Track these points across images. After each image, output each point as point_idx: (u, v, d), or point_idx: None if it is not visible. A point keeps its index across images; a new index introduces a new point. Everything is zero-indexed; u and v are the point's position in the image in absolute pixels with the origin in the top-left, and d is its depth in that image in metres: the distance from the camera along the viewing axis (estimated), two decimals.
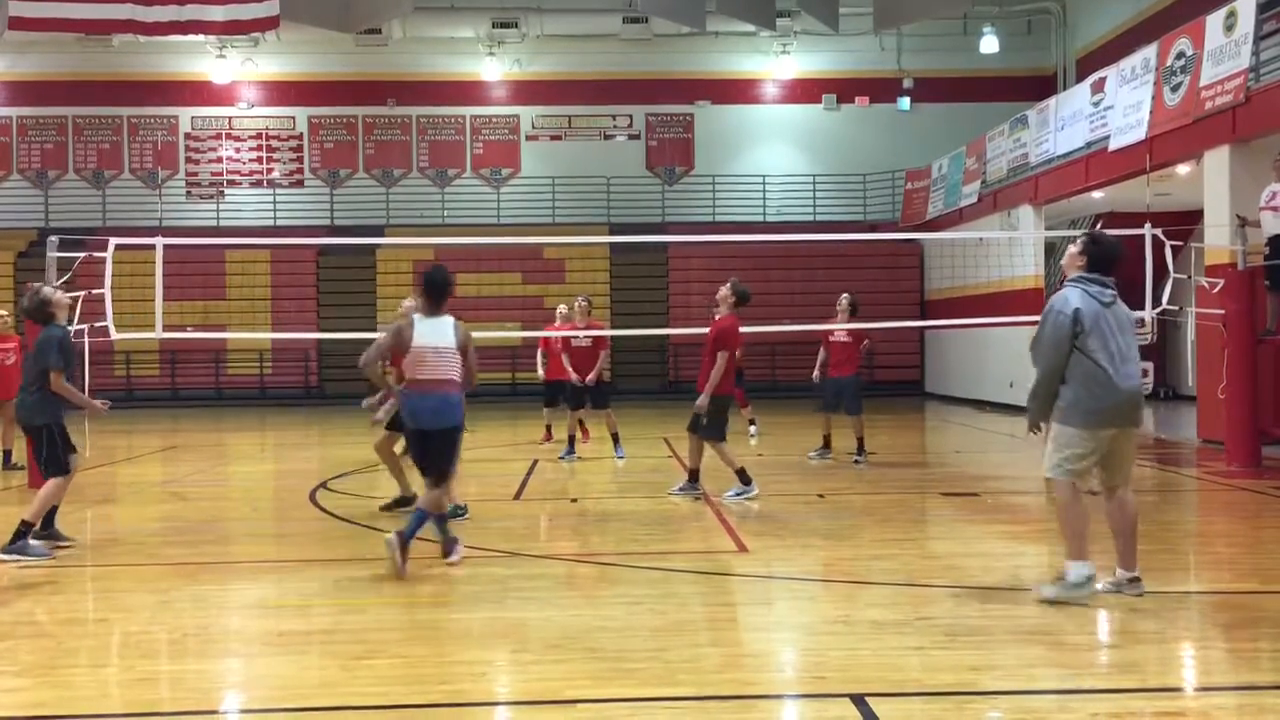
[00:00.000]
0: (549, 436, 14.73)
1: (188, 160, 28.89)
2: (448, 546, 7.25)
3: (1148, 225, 12.44)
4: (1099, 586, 6.14)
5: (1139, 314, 14.21)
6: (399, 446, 8.97)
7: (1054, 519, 8.74)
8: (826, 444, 13.23)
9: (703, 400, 9.72)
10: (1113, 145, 16.14)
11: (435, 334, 7.17)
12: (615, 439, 13.40)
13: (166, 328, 12.02)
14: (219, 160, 28.93)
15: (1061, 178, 18.42)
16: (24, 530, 7.63)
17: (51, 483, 7.81)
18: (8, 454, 12.62)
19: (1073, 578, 6.01)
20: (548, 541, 8.11)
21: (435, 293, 7.25)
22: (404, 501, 9.09)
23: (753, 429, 15.66)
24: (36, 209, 28.27)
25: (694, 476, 10.09)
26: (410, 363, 7.20)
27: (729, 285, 10.08)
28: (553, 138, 29.08)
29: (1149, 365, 22.59)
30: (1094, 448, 6.02)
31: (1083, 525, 6.06)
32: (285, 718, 4.55)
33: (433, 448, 7.21)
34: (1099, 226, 20.23)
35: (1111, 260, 6.22)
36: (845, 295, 13.30)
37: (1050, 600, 5.98)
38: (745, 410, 15.54)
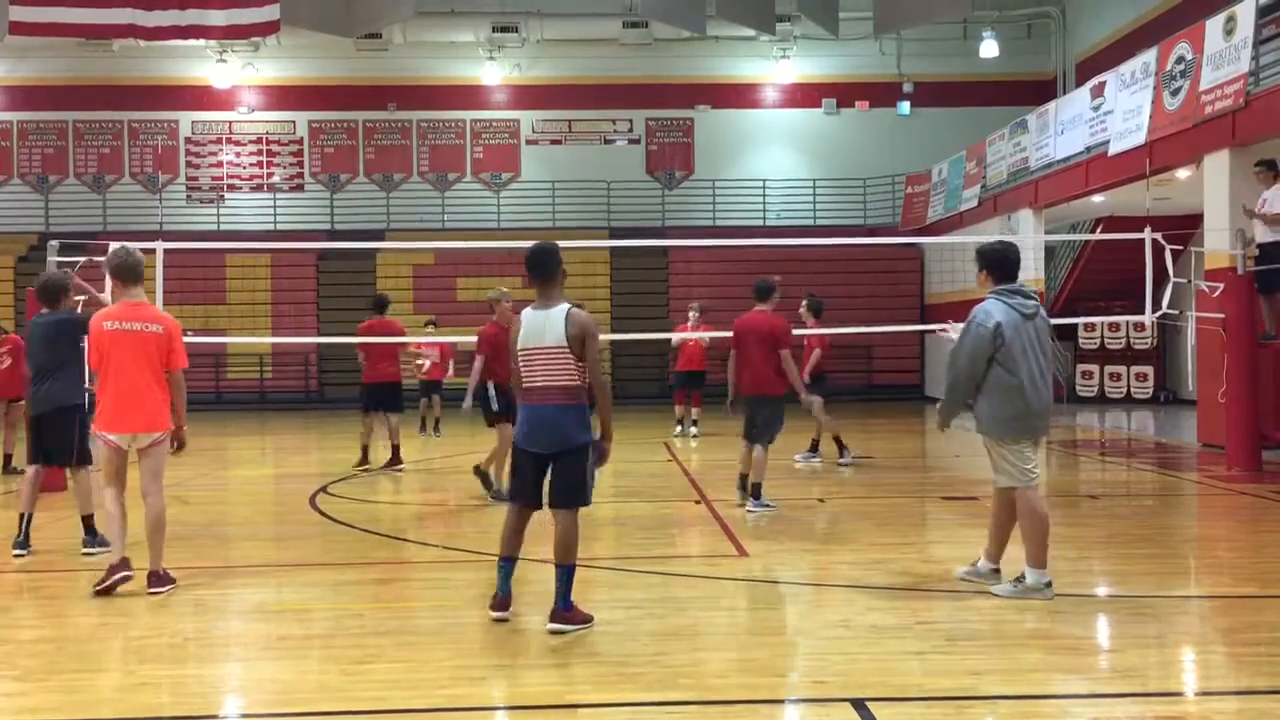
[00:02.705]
0: None
1: (188, 164, 28.91)
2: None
3: (1148, 229, 12.46)
4: (959, 571, 6.65)
5: (1139, 318, 14.27)
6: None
7: (1054, 522, 8.75)
8: (814, 447, 13.28)
9: (807, 398, 9.64)
10: (1112, 149, 16.15)
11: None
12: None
13: None
14: (219, 164, 28.95)
15: (1061, 182, 18.43)
16: (90, 524, 7.89)
17: (84, 473, 7.98)
18: (8, 458, 12.62)
19: (1031, 581, 6.22)
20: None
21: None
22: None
23: (693, 430, 16.36)
24: (37, 213, 28.29)
25: (747, 486, 9.66)
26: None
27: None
28: (553, 142, 29.10)
29: (1149, 369, 22.67)
30: (1034, 453, 6.30)
31: (1044, 533, 6.25)
32: None
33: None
34: (1098, 231, 20.26)
35: (1009, 263, 6.38)
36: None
37: (1005, 598, 6.20)
38: (696, 410, 16.41)
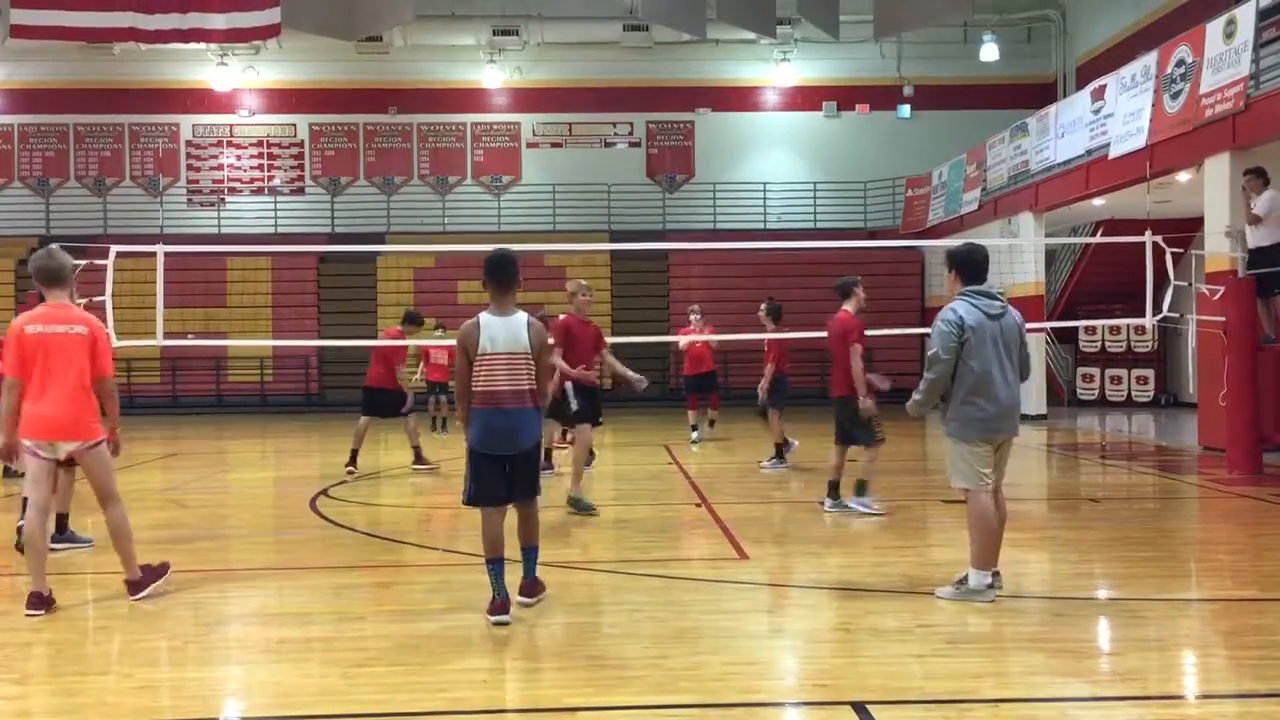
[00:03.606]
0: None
1: (189, 168, 28.95)
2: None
3: (1148, 232, 12.47)
4: (941, 592, 6.37)
5: (1139, 321, 14.27)
6: None
7: (1055, 525, 8.77)
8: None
9: (866, 403, 9.19)
10: (1113, 152, 16.16)
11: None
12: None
13: (167, 335, 12.04)
14: (220, 168, 28.98)
15: (1062, 185, 18.44)
16: (63, 523, 8.06)
17: (70, 473, 7.94)
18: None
19: (974, 583, 6.22)
20: (548, 549, 8.09)
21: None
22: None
23: (708, 430, 16.30)
24: (38, 216, 28.31)
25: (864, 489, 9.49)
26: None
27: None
28: (553, 145, 29.13)
29: (1150, 373, 22.67)
30: (990, 457, 6.28)
31: (992, 536, 6.24)
32: None
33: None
34: (1099, 233, 20.26)
35: (977, 265, 6.38)
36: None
37: (947, 599, 6.19)
38: (712, 412, 16.37)
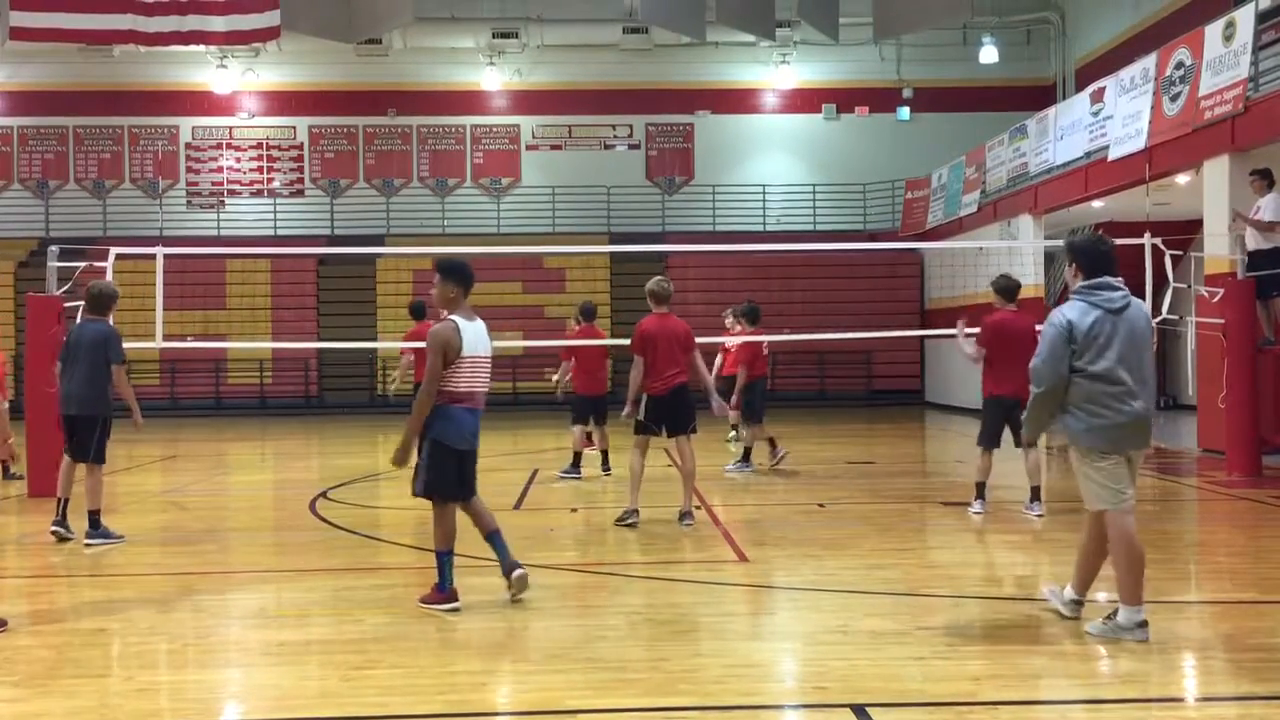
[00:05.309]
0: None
1: (188, 170, 28.94)
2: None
3: (1147, 235, 12.47)
4: (1045, 589, 6.06)
5: None
6: None
7: (1055, 527, 8.76)
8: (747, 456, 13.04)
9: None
10: (1112, 155, 16.16)
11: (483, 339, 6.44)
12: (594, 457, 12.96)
13: (166, 337, 12.05)
14: (219, 170, 28.98)
15: (1061, 187, 18.44)
16: (96, 518, 8.35)
17: (100, 471, 8.44)
18: (4, 465, 12.61)
19: (1123, 619, 5.49)
20: (548, 551, 8.10)
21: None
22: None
23: (733, 433, 16.00)
24: (37, 218, 28.31)
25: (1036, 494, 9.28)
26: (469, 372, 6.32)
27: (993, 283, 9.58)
28: (553, 147, 29.14)
29: None
30: (1124, 470, 5.56)
31: (1137, 565, 5.52)
32: None
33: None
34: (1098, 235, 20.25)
35: (1102, 258, 5.77)
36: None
37: (1095, 635, 5.54)
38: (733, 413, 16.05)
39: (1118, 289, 5.66)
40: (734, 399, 12.62)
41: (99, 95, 28.31)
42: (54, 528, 8.42)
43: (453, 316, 6.29)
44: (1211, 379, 12.90)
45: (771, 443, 13.06)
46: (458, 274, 6.41)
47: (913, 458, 15.65)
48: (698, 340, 9.29)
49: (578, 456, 12.35)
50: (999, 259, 19.38)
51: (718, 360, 14.34)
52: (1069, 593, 5.87)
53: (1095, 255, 5.76)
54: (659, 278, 9.47)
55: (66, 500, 8.51)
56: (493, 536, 6.43)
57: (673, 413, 8.95)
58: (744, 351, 12.80)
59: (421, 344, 12.69)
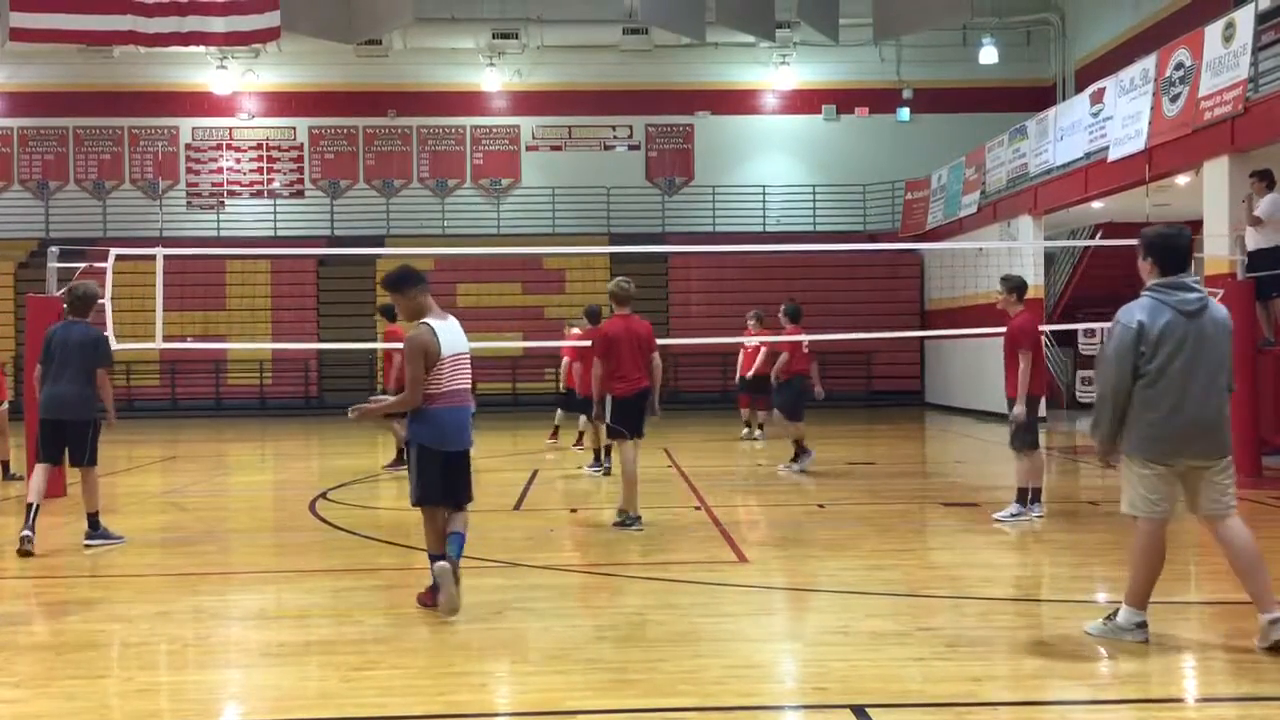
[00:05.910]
0: (579, 442, 14.94)
1: (188, 171, 28.93)
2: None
3: None
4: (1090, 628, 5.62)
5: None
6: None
7: (1054, 528, 8.76)
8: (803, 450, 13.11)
9: (1019, 409, 8.84)
10: (1112, 155, 16.16)
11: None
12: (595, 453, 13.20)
13: (166, 338, 12.04)
14: (219, 171, 28.97)
15: (1061, 188, 18.44)
16: (95, 519, 8.37)
17: (94, 472, 8.44)
18: (5, 465, 12.61)
19: (1123, 620, 5.50)
20: (548, 552, 8.10)
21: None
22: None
23: (758, 433, 16.38)
24: (37, 219, 28.30)
25: (1021, 497, 9.18)
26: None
27: (1002, 283, 9.48)
28: (553, 148, 29.13)
29: None
30: (1168, 483, 5.42)
31: (1152, 572, 5.44)
32: None
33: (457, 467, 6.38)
34: (1098, 236, 20.27)
35: (1179, 253, 5.32)
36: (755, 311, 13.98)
37: (1094, 635, 5.54)
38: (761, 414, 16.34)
39: (1194, 289, 5.28)
40: (774, 398, 12.95)
41: (99, 96, 28.31)
42: (25, 531, 7.97)
43: (425, 320, 6.19)
44: None
45: (799, 445, 13.11)
46: (410, 280, 6.26)
47: (913, 458, 15.65)
48: (697, 340, 9.30)
49: (602, 451, 12.71)
50: (999, 260, 19.40)
51: (740, 359, 14.59)
52: (1128, 615, 5.49)
53: (1172, 251, 5.33)
54: (620, 279, 9.44)
55: (38, 507, 8.13)
56: (454, 536, 6.19)
57: (640, 415, 9.00)
58: (779, 350, 13.06)
59: (398, 345, 12.83)
